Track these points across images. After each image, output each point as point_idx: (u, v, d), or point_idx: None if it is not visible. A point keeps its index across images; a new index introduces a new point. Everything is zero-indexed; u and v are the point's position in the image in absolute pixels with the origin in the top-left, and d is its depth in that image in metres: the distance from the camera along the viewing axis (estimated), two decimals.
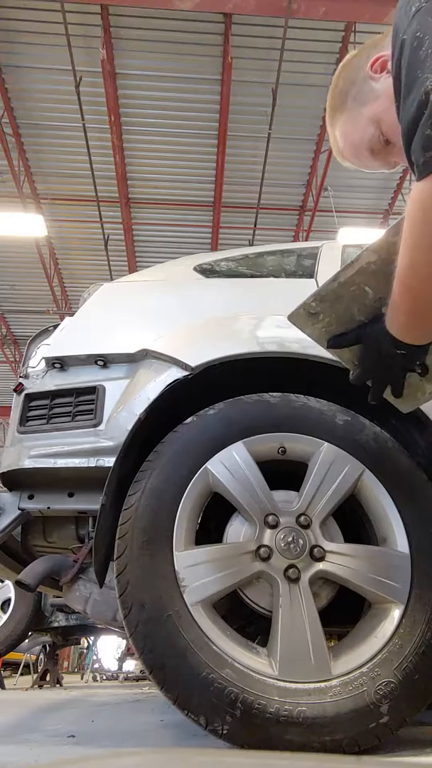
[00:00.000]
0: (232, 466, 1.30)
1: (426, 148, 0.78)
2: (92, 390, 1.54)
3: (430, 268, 0.86)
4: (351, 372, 1.13)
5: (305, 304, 1.08)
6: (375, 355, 1.06)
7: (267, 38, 7.61)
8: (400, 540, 1.27)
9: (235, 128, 8.80)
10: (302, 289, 1.75)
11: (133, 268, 11.31)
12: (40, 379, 1.61)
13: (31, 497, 1.51)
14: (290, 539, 1.24)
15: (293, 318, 1.11)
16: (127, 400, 1.47)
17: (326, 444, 1.34)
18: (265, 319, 1.56)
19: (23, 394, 1.60)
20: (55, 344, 1.64)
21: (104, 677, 9.06)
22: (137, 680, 7.59)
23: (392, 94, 0.91)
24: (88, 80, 7.96)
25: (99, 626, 4.61)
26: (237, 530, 1.29)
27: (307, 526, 1.26)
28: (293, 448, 1.36)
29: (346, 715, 1.09)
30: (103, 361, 1.57)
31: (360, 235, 8.80)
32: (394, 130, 0.98)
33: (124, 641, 8.26)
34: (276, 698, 1.09)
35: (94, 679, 8.98)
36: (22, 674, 8.10)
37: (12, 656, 6.26)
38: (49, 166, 9.54)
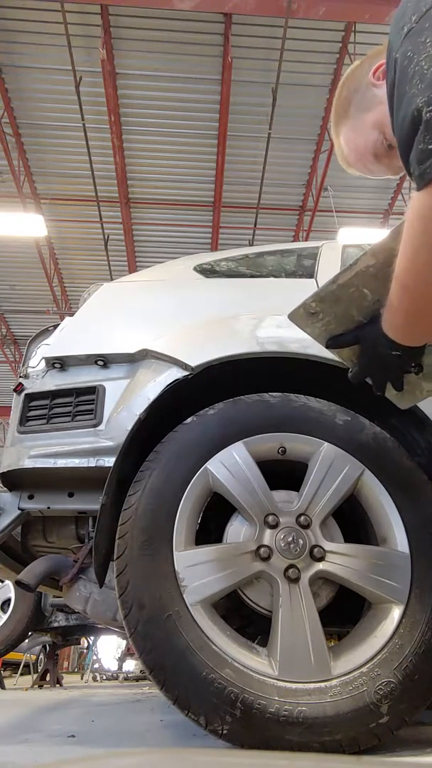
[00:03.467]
0: (232, 466, 1.30)
1: (421, 161, 0.80)
2: (92, 390, 1.54)
3: (427, 272, 0.88)
4: (350, 370, 1.15)
5: (305, 304, 1.10)
6: (372, 356, 1.08)
7: (267, 38, 7.61)
8: (400, 540, 1.27)
9: (235, 128, 8.80)
10: (302, 289, 1.77)
11: (133, 268, 11.31)
12: (40, 379, 1.61)
13: (31, 497, 1.51)
14: (290, 539, 1.24)
15: (293, 317, 1.12)
16: (127, 400, 1.47)
17: (326, 444, 1.34)
18: (265, 319, 1.56)
19: (23, 394, 1.60)
20: (55, 344, 1.64)
21: (104, 677, 9.07)
22: (137, 680, 7.60)
23: None
24: (88, 80, 7.96)
25: (99, 626, 4.61)
26: (237, 530, 1.29)
27: (307, 526, 1.26)
28: (293, 448, 1.36)
29: (346, 715, 1.09)
30: (103, 361, 1.57)
31: (360, 235, 8.79)
32: None
33: (124, 641, 8.26)
34: (276, 698, 1.09)
35: (94, 679, 8.99)
36: (22, 674, 8.10)
37: (12, 656, 6.26)
38: (49, 166, 9.54)
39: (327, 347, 1.14)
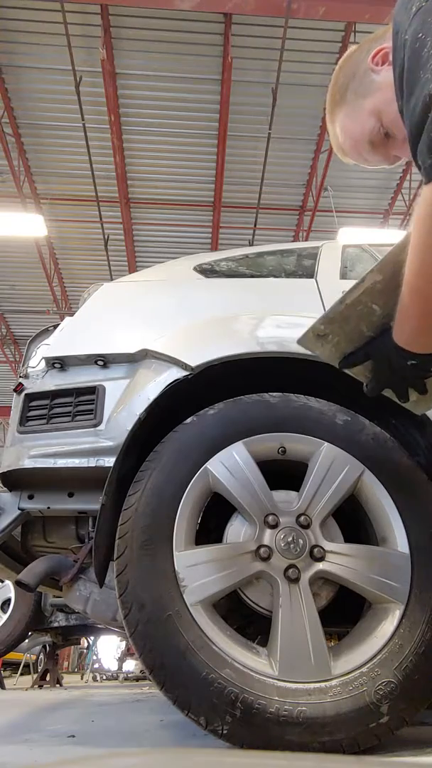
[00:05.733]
0: (232, 466, 1.30)
1: None
2: (92, 390, 1.54)
3: None
4: (365, 384, 1.12)
5: (314, 328, 1.09)
6: (387, 369, 1.05)
7: (267, 38, 7.61)
8: (400, 540, 1.27)
9: (235, 128, 8.80)
10: (302, 289, 1.78)
11: (133, 268, 11.31)
12: (40, 379, 1.61)
13: (31, 497, 1.51)
14: (290, 539, 1.24)
15: (303, 342, 1.11)
16: (127, 400, 1.47)
17: (326, 444, 1.34)
18: (265, 319, 1.56)
19: (23, 394, 1.60)
20: (55, 344, 1.64)
21: (104, 677, 9.07)
22: (137, 680, 7.60)
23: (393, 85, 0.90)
24: (88, 80, 7.96)
25: (99, 626, 4.61)
26: (237, 530, 1.29)
27: (307, 526, 1.26)
28: (293, 448, 1.36)
29: (346, 715, 1.09)
30: (103, 361, 1.57)
31: (360, 235, 8.79)
32: (395, 122, 0.97)
33: (124, 641, 8.26)
34: (276, 698, 1.09)
35: (94, 679, 8.99)
36: (22, 674, 8.11)
37: (12, 656, 6.26)
38: (49, 166, 9.54)
39: (340, 368, 1.12)
